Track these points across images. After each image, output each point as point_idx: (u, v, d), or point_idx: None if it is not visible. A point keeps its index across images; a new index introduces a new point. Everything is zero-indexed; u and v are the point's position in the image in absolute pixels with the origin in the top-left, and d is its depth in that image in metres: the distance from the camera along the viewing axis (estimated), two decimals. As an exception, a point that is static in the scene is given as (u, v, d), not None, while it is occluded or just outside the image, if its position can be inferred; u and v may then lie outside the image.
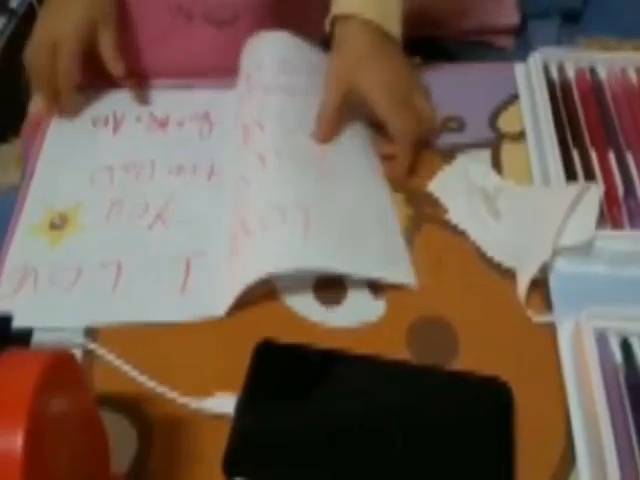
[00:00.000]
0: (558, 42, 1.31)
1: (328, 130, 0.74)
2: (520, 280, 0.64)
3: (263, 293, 0.64)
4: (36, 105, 0.85)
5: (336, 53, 0.74)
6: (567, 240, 0.64)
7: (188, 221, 0.70)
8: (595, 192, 0.66)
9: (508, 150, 0.76)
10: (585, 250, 0.64)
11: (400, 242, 0.68)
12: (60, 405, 0.42)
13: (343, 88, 0.73)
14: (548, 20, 1.35)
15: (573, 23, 1.36)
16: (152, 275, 0.66)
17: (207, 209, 0.71)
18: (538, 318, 0.62)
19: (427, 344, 0.62)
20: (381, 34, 0.73)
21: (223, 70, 0.82)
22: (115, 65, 0.79)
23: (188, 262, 0.66)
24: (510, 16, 1.33)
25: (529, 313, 0.63)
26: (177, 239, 0.69)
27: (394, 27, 0.75)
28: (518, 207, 0.68)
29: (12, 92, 0.95)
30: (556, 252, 0.64)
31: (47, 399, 0.40)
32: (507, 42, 1.31)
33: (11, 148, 0.93)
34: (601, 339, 0.58)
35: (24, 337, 0.45)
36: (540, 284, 0.64)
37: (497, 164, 0.75)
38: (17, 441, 0.38)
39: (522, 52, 1.22)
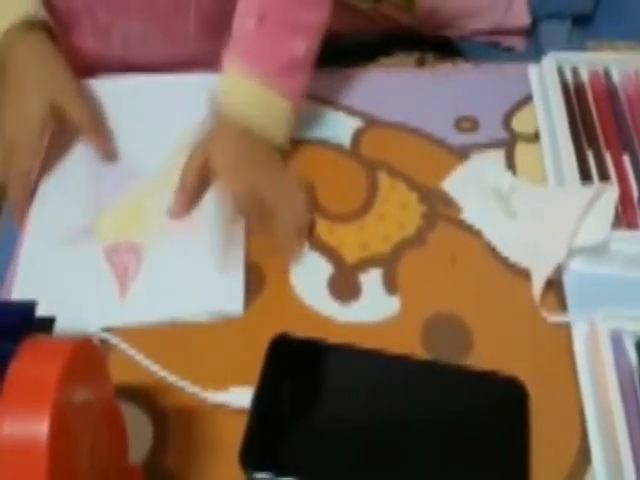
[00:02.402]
0: (568, 44, 1.32)
1: (184, 205, 0.71)
2: (535, 280, 0.64)
3: (278, 290, 0.64)
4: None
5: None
6: (582, 240, 0.64)
7: None
8: (611, 193, 0.66)
9: (522, 151, 0.77)
10: (600, 251, 0.64)
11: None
12: (83, 394, 0.43)
13: (199, 161, 0.70)
14: (559, 22, 1.35)
15: (583, 26, 1.36)
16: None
17: None
18: (553, 318, 0.62)
19: (441, 341, 0.62)
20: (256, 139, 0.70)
21: None
22: (94, 137, 0.75)
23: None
24: (521, 18, 1.33)
25: (544, 313, 0.63)
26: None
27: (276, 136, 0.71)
28: (533, 207, 0.69)
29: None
30: (571, 252, 0.64)
31: (71, 388, 0.40)
32: (518, 43, 1.31)
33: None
34: (616, 340, 0.59)
35: (47, 324, 0.45)
36: (555, 284, 0.65)
37: (511, 164, 0.75)
38: (42, 429, 0.38)
39: (533, 53, 1.23)
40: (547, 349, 0.61)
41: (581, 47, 1.26)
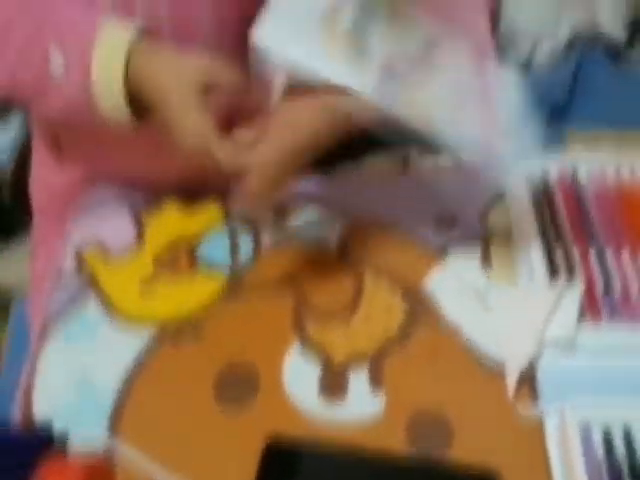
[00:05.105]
0: (546, 135, 1.38)
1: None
2: (509, 375, 0.69)
3: (272, 391, 0.69)
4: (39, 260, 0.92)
5: None
6: (551, 335, 0.69)
7: None
8: (576, 290, 0.71)
9: (497, 245, 0.82)
10: (569, 344, 0.69)
11: None
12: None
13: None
14: (536, 113, 1.43)
15: (560, 116, 1.43)
16: None
17: None
18: (526, 412, 0.67)
19: (424, 435, 0.67)
20: None
21: None
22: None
23: None
24: (501, 110, 1.41)
25: (518, 407, 0.67)
26: None
27: None
28: (507, 304, 0.74)
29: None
30: (541, 347, 0.69)
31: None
32: (499, 134, 1.38)
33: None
34: (585, 431, 0.63)
35: (61, 443, 0.50)
36: (528, 376, 0.69)
37: (487, 259, 0.81)
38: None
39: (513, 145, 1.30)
40: (523, 441, 0.65)
41: (558, 137, 1.33)
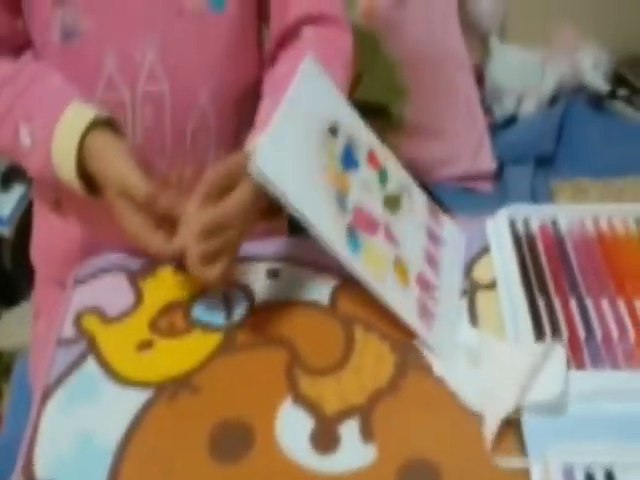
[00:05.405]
0: (532, 185, 1.43)
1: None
2: (487, 430, 0.71)
3: (264, 444, 0.72)
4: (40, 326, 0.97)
5: None
6: (535, 397, 0.71)
7: None
8: (561, 351, 0.73)
9: (482, 298, 0.85)
10: (554, 408, 0.71)
11: None
12: None
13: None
14: (523, 165, 1.47)
15: (546, 167, 1.48)
16: None
17: None
18: (507, 463, 0.68)
19: (414, 483, 0.69)
20: None
21: None
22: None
23: None
24: (487, 163, 1.45)
25: (497, 459, 0.69)
26: None
27: None
28: (493, 360, 0.76)
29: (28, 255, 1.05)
30: (522, 405, 0.71)
31: None
32: (486, 187, 1.43)
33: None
34: (568, 473, 0.65)
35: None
36: (514, 423, 0.71)
37: (473, 312, 0.83)
38: None
39: (500, 196, 1.34)
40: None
41: (545, 187, 1.37)
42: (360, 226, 0.81)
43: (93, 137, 0.81)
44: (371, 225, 0.82)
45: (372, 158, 0.86)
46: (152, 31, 0.85)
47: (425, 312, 0.81)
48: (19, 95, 0.85)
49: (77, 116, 0.82)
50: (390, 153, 0.88)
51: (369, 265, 0.80)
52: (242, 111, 0.94)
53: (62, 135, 0.82)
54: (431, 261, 0.86)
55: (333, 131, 0.82)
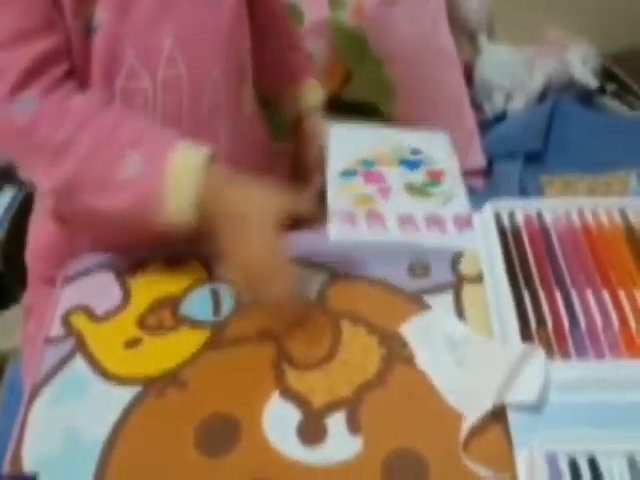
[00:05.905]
0: (522, 181, 1.43)
1: None
2: (465, 427, 0.71)
3: (251, 438, 0.72)
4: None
5: None
6: (515, 397, 0.72)
7: None
8: (539, 356, 0.73)
9: (468, 291, 0.86)
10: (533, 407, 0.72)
11: None
12: None
13: None
14: (512, 161, 1.48)
15: (535, 162, 1.48)
16: None
17: None
18: (485, 473, 0.68)
19: (400, 474, 0.69)
20: None
21: None
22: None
23: None
24: (477, 159, 1.46)
25: (478, 469, 0.69)
26: None
27: None
28: (475, 359, 0.76)
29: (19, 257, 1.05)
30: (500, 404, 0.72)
31: None
32: (477, 183, 1.43)
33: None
34: (552, 461, 0.66)
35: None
36: (499, 414, 0.72)
37: (459, 305, 0.84)
38: None
39: (491, 192, 1.34)
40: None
41: (534, 182, 1.38)
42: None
43: (210, 173, 0.80)
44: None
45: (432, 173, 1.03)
46: (168, 17, 0.87)
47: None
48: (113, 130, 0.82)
49: (189, 152, 0.81)
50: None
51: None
52: (242, 78, 0.97)
53: (177, 171, 0.79)
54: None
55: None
